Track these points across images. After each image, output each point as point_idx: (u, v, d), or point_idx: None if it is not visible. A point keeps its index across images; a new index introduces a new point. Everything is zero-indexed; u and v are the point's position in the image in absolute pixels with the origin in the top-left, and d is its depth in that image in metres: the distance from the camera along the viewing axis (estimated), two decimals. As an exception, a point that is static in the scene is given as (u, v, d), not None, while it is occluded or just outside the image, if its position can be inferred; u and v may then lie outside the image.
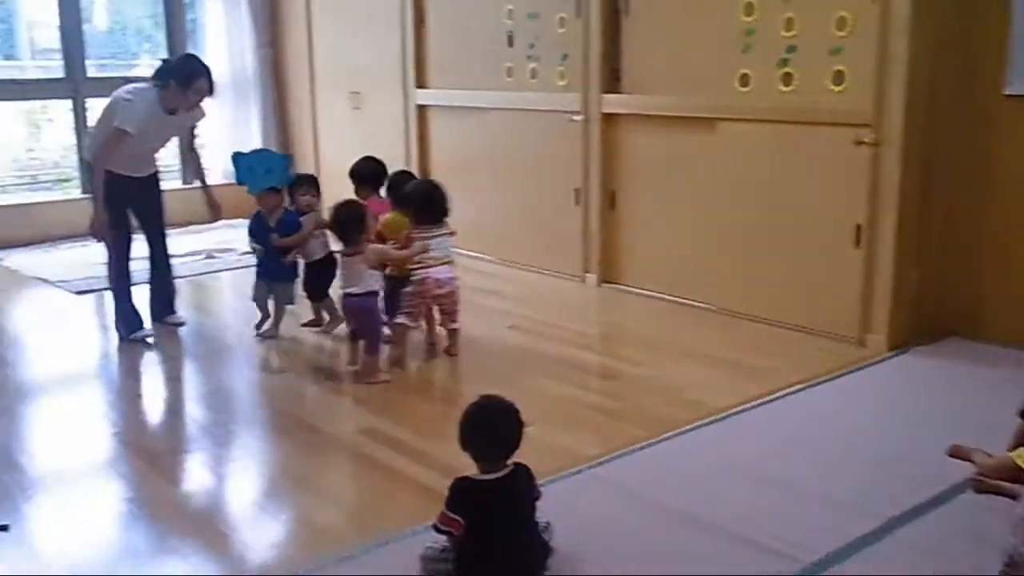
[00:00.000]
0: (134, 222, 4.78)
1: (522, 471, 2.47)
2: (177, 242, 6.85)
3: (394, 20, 6.67)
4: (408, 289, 4.24)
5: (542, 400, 3.82)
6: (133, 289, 4.81)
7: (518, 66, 5.89)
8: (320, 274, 4.73)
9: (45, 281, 6.01)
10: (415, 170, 6.72)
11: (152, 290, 5.00)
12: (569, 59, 5.56)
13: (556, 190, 5.78)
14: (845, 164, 4.38)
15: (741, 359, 4.29)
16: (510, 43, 5.92)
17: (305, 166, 7.74)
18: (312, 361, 4.44)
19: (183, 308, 5.47)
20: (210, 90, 4.49)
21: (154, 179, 4.80)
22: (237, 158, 4.71)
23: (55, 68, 7.53)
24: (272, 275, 4.75)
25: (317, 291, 4.79)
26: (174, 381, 4.31)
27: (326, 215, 4.33)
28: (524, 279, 5.87)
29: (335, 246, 4.41)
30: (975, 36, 4.28)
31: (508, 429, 2.43)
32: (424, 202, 4.33)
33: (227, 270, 6.28)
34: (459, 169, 6.35)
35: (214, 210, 4.98)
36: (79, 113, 7.33)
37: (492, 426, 2.43)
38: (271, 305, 4.78)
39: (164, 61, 4.61)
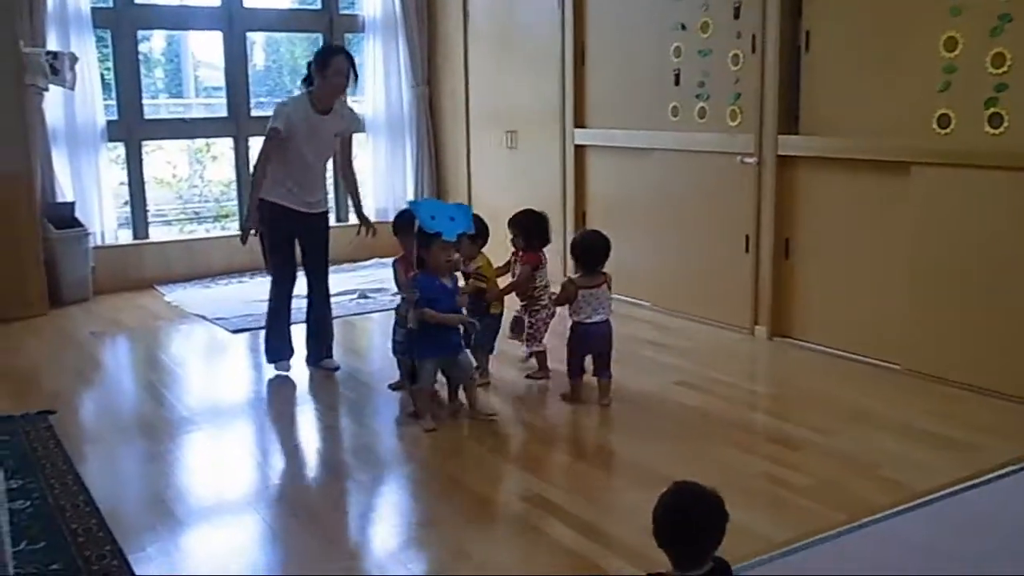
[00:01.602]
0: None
1: (722, 570, 2.16)
2: (329, 280, 6.89)
3: (554, 58, 6.50)
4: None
5: (718, 469, 3.50)
6: (291, 328, 4.85)
7: (685, 105, 5.61)
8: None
9: (203, 318, 6.05)
10: (571, 212, 6.52)
11: (310, 332, 4.94)
12: (742, 98, 5.25)
13: (724, 236, 5.44)
14: (1064, 215, 3.91)
15: (940, 430, 3.85)
16: (676, 82, 5.64)
17: (458, 205, 7.66)
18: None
19: (336, 349, 5.40)
20: (350, 70, 4.47)
21: (322, 217, 4.80)
22: (417, 206, 4.29)
23: (218, 106, 7.71)
24: (458, 345, 4.09)
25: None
26: (328, 430, 4.17)
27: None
28: (687, 329, 5.54)
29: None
30: None
31: (713, 529, 2.11)
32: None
33: (380, 311, 6.18)
34: (618, 211, 6.10)
35: (367, 228, 4.90)
36: (240, 151, 7.44)
37: (695, 527, 2.10)
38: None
39: (309, 64, 4.61)
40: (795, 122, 5.06)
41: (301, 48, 8.67)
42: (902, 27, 4.45)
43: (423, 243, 3.94)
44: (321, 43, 7.76)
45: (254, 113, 7.53)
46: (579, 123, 6.43)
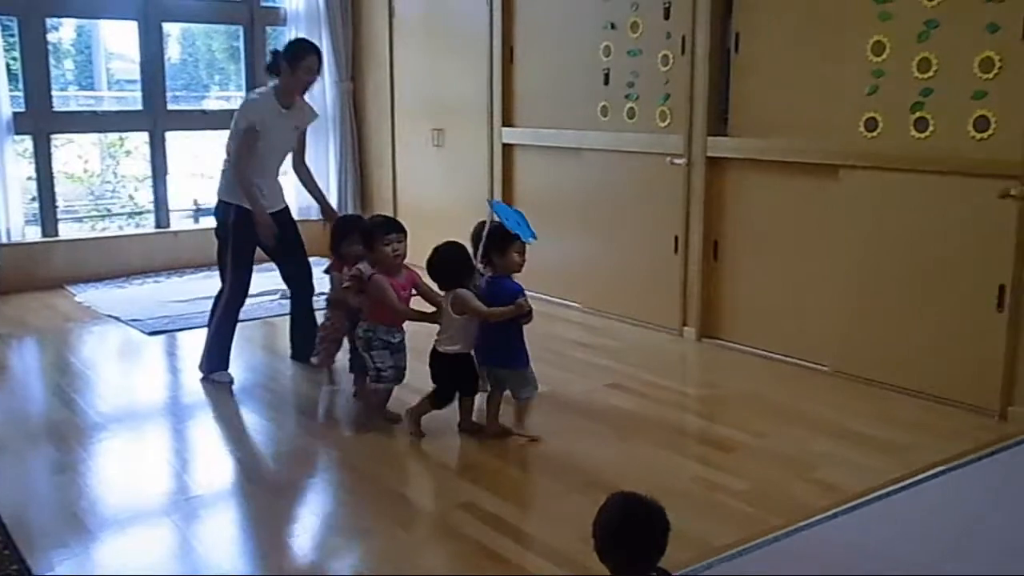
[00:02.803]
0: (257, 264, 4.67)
1: (665, 581, 2.10)
2: (252, 280, 6.69)
3: (482, 55, 6.42)
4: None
5: (654, 473, 3.48)
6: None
7: (614, 105, 5.58)
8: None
9: (117, 319, 5.80)
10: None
11: (296, 328, 4.90)
12: (672, 98, 5.23)
13: (653, 237, 5.43)
14: (988, 218, 3.97)
15: (871, 431, 3.87)
16: (606, 81, 5.61)
17: (381, 206, 7.52)
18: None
19: (257, 352, 5.24)
20: (319, 68, 4.46)
21: (287, 213, 4.74)
22: (500, 207, 3.90)
23: (132, 100, 7.42)
24: (501, 359, 3.78)
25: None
26: (251, 434, 4.02)
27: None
28: (615, 330, 5.51)
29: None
30: None
31: (655, 541, 2.05)
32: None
33: (303, 312, 5.99)
34: (546, 211, 6.02)
35: (329, 215, 4.75)
36: (156, 145, 7.18)
37: (637, 539, 2.04)
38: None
39: (272, 52, 4.53)
40: (724, 124, 5.07)
41: (219, 41, 8.41)
42: (831, 31, 4.48)
43: (499, 244, 3.73)
44: (241, 36, 7.55)
45: (171, 107, 7.28)
46: (507, 121, 6.35)
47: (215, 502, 3.33)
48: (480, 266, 3.76)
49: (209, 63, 8.42)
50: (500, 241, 3.73)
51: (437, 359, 3.75)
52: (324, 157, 7.74)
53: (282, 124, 4.49)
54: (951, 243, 4.12)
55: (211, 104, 7.86)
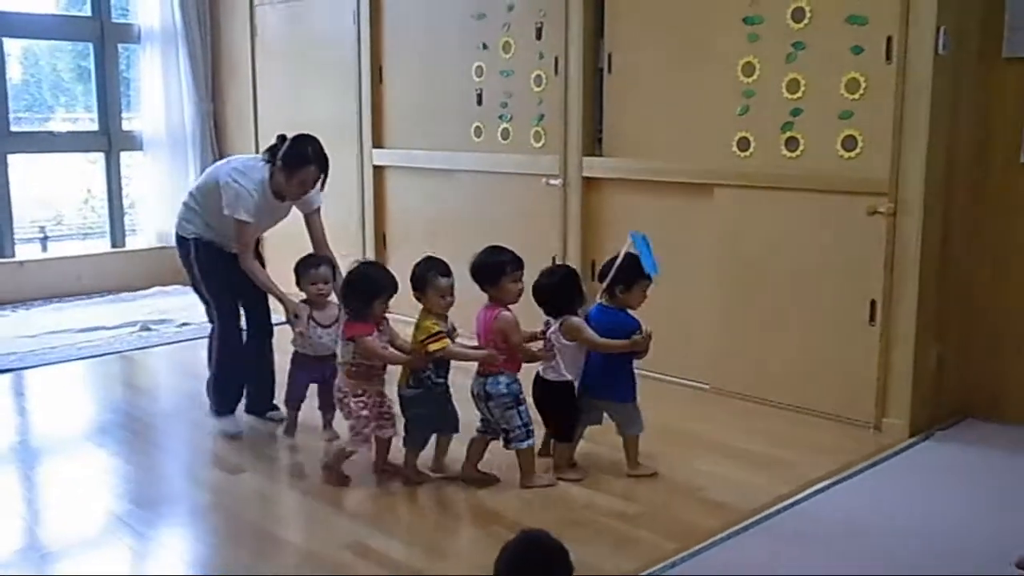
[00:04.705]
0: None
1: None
2: (106, 312, 6.32)
3: (349, 75, 6.25)
4: None
5: (547, 502, 3.38)
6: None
7: (488, 126, 5.51)
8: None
9: (-44, 357, 5.34)
10: (370, 235, 6.28)
11: (251, 374, 4.24)
12: (546, 119, 5.20)
13: (531, 258, 5.22)
14: (858, 235, 4.07)
15: (753, 448, 3.90)
16: (479, 102, 5.54)
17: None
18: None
19: (115, 387, 4.92)
20: (315, 182, 3.93)
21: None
22: (641, 242, 3.58)
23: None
24: (608, 392, 3.61)
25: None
26: (113, 478, 3.71)
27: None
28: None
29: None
30: (991, 102, 4.06)
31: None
32: None
33: (164, 344, 5.67)
34: (420, 235, 5.91)
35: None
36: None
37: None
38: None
39: (280, 138, 3.94)
40: (599, 144, 5.07)
41: (65, 61, 7.93)
42: (703, 51, 4.53)
43: (627, 279, 3.52)
44: (91, 54, 7.14)
45: (13, 128, 6.82)
46: (377, 143, 6.20)
47: (73, 556, 3.05)
48: (601, 297, 3.59)
49: (54, 84, 7.92)
50: (630, 276, 3.52)
51: (542, 386, 3.54)
52: (183, 180, 7.37)
53: (274, 210, 4.03)
54: (823, 259, 4.21)
55: (58, 126, 7.38)
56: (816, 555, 2.98)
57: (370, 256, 5.94)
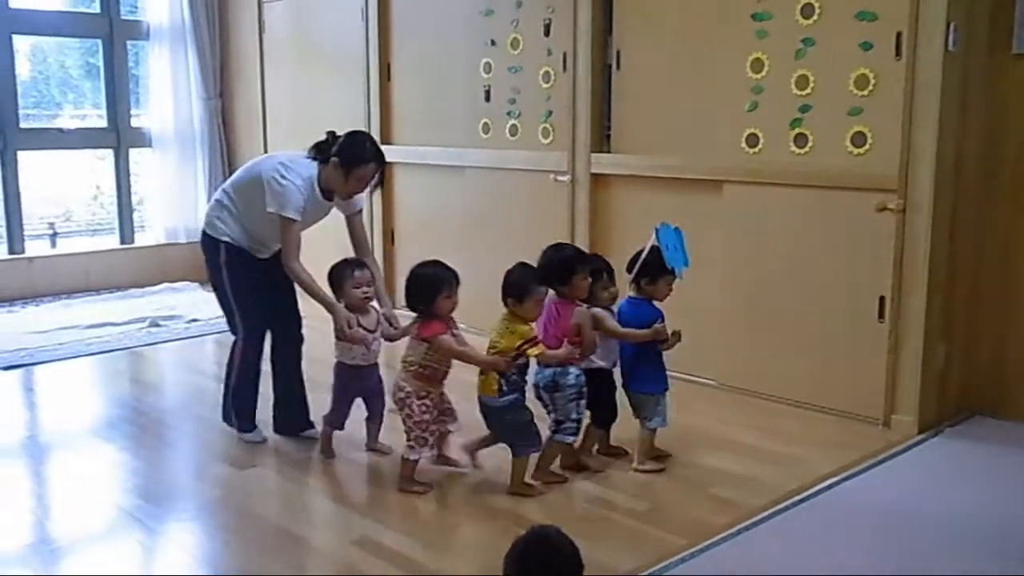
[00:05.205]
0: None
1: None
2: (115, 308, 6.33)
3: (358, 72, 6.25)
4: None
5: (551, 497, 3.38)
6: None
7: (496, 122, 5.51)
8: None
9: (-34, 353, 5.36)
10: (378, 232, 6.28)
11: (281, 390, 4.03)
12: (554, 115, 5.20)
13: (536, 253, 5.34)
14: (867, 231, 4.07)
15: (762, 445, 3.89)
16: (487, 98, 5.54)
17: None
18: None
19: (124, 383, 4.94)
20: (373, 178, 3.70)
21: (279, 255, 3.81)
22: (665, 235, 3.61)
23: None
24: (636, 384, 3.64)
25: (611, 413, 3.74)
26: (122, 474, 3.72)
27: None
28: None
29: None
30: (1001, 97, 4.04)
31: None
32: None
33: (173, 340, 5.69)
34: (429, 229, 5.92)
35: (388, 323, 3.74)
36: (8, 165, 6.72)
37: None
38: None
39: (330, 134, 3.77)
40: (608, 140, 5.06)
41: (73, 58, 7.95)
42: (711, 48, 4.53)
43: (652, 273, 3.57)
44: (100, 51, 7.16)
45: (23, 125, 6.83)
46: (386, 139, 6.19)
47: (82, 551, 3.06)
48: (630, 289, 3.64)
49: (63, 81, 7.93)
50: (654, 270, 3.57)
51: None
52: (192, 177, 7.42)
53: (317, 210, 3.79)
54: (832, 256, 4.20)
55: (67, 123, 7.39)
56: (826, 550, 2.98)
57: (377, 254, 5.93)
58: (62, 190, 7.51)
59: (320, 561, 2.97)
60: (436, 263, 3.49)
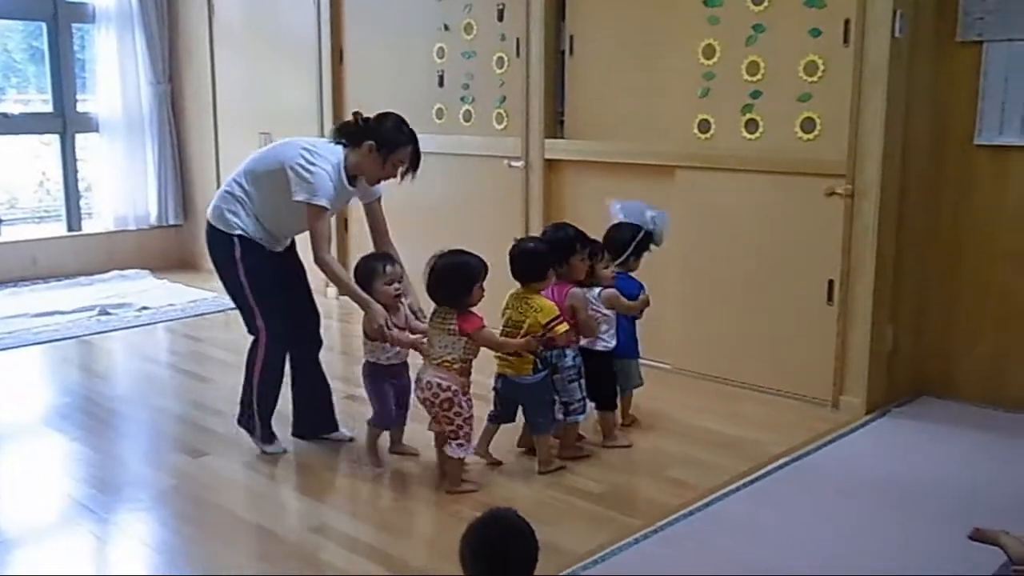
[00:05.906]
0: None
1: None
2: (63, 296, 6.23)
3: (310, 57, 6.20)
4: None
5: (509, 481, 3.40)
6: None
7: (450, 108, 5.50)
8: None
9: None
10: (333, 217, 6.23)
11: (303, 396, 3.81)
12: (508, 101, 5.20)
13: (492, 240, 5.26)
14: (816, 216, 4.13)
15: (715, 427, 3.95)
16: (441, 83, 5.52)
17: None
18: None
19: (74, 372, 4.87)
20: (410, 163, 3.52)
21: (292, 249, 3.75)
22: (626, 209, 3.90)
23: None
24: (628, 349, 3.87)
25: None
26: (72, 463, 3.67)
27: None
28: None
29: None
30: (947, 84, 4.12)
31: (525, 561, 1.99)
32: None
33: (123, 328, 5.61)
34: (383, 217, 5.88)
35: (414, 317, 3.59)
36: (-51, 152, 6.58)
37: (508, 559, 1.98)
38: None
39: (357, 115, 3.56)
40: (561, 126, 5.08)
41: (16, 40, 7.77)
42: (664, 34, 4.56)
43: (638, 249, 3.81)
44: (44, 34, 7.01)
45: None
46: (338, 125, 6.15)
47: (31, 543, 3.02)
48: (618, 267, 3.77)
49: (5, 65, 7.75)
50: (641, 247, 3.82)
51: (586, 357, 3.57)
52: (141, 163, 7.31)
53: (341, 197, 3.58)
54: (782, 240, 4.26)
55: (11, 108, 7.23)
56: (779, 527, 3.03)
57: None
58: (7, 176, 7.36)
59: (279, 549, 2.96)
60: (461, 252, 3.34)
